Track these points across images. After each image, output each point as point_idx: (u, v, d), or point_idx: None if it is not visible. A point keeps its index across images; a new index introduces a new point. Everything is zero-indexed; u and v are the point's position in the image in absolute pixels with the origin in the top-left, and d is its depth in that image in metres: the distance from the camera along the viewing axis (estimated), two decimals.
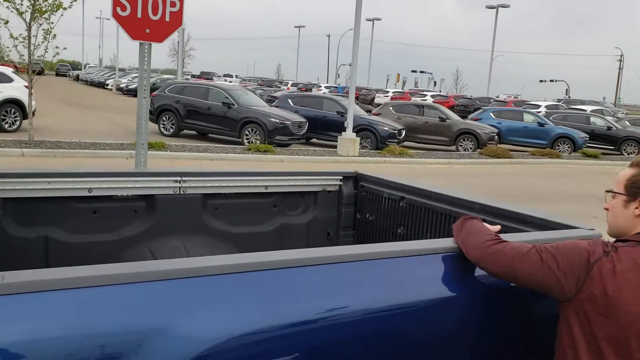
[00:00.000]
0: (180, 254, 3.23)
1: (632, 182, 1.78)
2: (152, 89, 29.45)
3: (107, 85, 48.32)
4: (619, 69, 68.29)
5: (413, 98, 37.79)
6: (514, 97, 49.00)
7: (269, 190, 3.50)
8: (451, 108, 33.82)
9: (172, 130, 17.29)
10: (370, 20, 57.01)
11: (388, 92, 42.89)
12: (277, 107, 18.50)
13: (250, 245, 3.42)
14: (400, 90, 50.82)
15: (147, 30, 4.66)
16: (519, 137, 21.31)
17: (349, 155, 15.61)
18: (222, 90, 17.28)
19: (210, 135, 17.61)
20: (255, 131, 16.03)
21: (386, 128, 17.53)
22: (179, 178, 3.26)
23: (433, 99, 36.24)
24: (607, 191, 1.88)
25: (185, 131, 17.71)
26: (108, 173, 3.13)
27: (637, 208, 1.76)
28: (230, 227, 3.43)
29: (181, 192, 3.27)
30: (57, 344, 1.32)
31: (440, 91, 57.73)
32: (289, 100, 19.00)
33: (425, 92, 42.37)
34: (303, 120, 16.88)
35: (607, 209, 1.87)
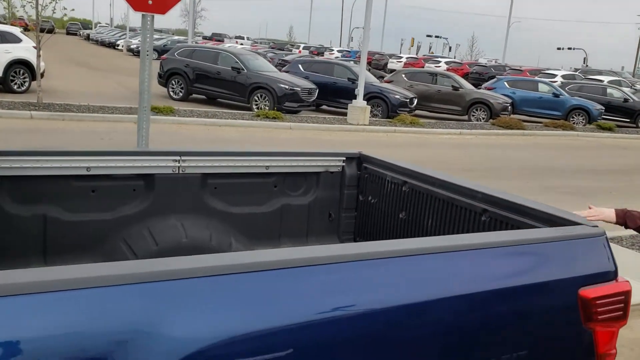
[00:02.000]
0: (179, 233, 3.19)
1: None
2: (163, 51, 29.18)
3: (118, 45, 47.97)
4: None
5: (427, 65, 37.19)
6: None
7: (270, 170, 3.43)
8: (465, 76, 33.32)
9: (181, 94, 17.17)
10: None
11: (401, 57, 42.15)
12: (287, 72, 18.27)
13: (250, 225, 3.37)
14: (414, 55, 49.94)
15: (150, 2, 4.52)
16: (533, 108, 20.96)
17: (359, 124, 15.44)
18: (232, 54, 17.05)
19: (219, 100, 17.48)
20: (265, 97, 15.86)
21: (398, 96, 17.29)
22: (178, 157, 3.20)
23: (447, 66, 35.64)
24: None
25: (194, 95, 17.58)
26: (107, 152, 3.08)
27: None
28: (229, 207, 3.38)
29: (180, 172, 3.21)
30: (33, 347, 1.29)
31: (454, 57, 56.76)
32: (299, 66, 18.73)
33: (439, 59, 41.62)
34: (313, 86, 16.66)
35: None
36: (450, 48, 77.58)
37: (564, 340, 2.15)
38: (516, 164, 12.61)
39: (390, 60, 40.18)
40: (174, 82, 17.23)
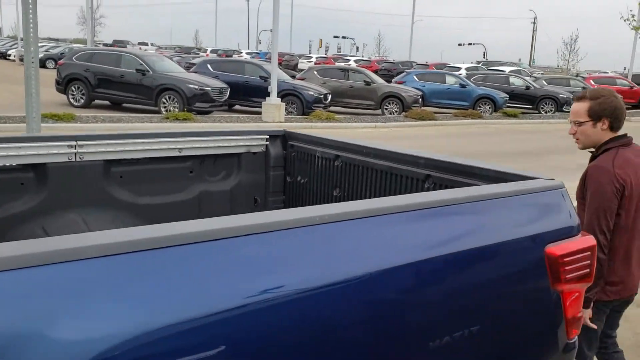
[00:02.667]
0: (80, 230, 2.72)
1: (592, 110, 2.54)
2: (60, 59, 27.42)
3: (9, 55, 44.78)
4: (533, 31, 70.83)
5: (337, 63, 37.46)
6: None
7: (184, 153, 3.02)
8: (375, 72, 33.77)
9: (82, 100, 16.08)
10: None
11: (311, 57, 42.27)
12: (195, 72, 17.60)
13: (163, 217, 2.95)
14: (324, 55, 50.28)
15: None
16: (442, 99, 21.49)
17: (274, 122, 15.09)
18: (135, 56, 16.18)
19: (125, 105, 16.54)
20: (173, 99, 15.16)
21: (312, 92, 17.11)
22: (74, 142, 2.72)
23: (357, 64, 35.96)
24: (574, 122, 2.59)
25: (97, 101, 16.53)
26: None
27: (603, 124, 2.54)
28: (139, 197, 2.94)
29: (77, 159, 2.74)
30: None
31: (362, 56, 57.74)
32: (208, 66, 18.11)
33: (348, 57, 42.13)
34: (224, 86, 16.14)
35: (574, 133, 2.62)
36: (357, 48, 79.01)
37: (531, 307, 1.92)
38: (435, 152, 12.75)
39: (300, 60, 40.10)
40: (73, 89, 16.12)
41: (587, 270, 1.97)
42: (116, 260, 1.14)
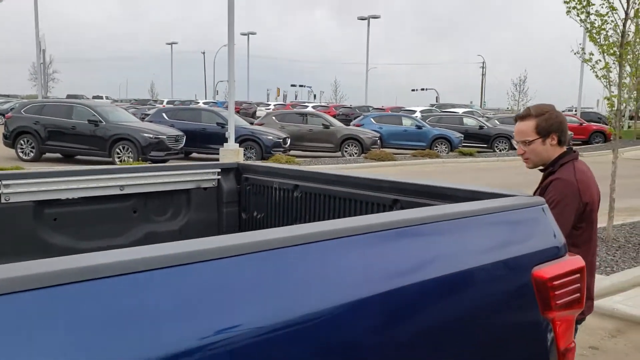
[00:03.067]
0: None
1: (540, 127, 2.45)
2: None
3: None
4: (482, 75, 73.40)
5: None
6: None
7: (126, 191, 2.73)
8: (333, 117, 34.04)
9: (32, 154, 15.51)
10: (245, 35, 56.46)
11: (269, 105, 42.48)
12: (150, 122, 17.29)
13: None
14: (282, 102, 50.67)
15: None
16: (400, 141, 21.70)
17: None
18: (87, 107, 15.81)
19: (78, 157, 16.02)
20: (127, 148, 14.77)
21: (270, 137, 16.97)
22: None
23: (314, 110, 36.29)
24: (522, 142, 2.50)
25: (48, 154, 15.97)
26: None
27: (552, 140, 2.47)
28: (76, 242, 2.62)
29: (3, 201, 2.43)
30: None
31: (328, 103, 58.52)
32: (163, 114, 17.85)
33: (307, 104, 42.42)
34: (180, 133, 15.86)
35: (522, 153, 2.53)
36: (315, 96, 79.97)
37: (519, 339, 1.70)
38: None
39: (258, 108, 40.23)
40: (22, 142, 15.55)
41: (578, 294, 1.76)
42: None
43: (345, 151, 19.16)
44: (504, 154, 22.07)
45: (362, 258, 1.34)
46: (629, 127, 35.80)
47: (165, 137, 15.10)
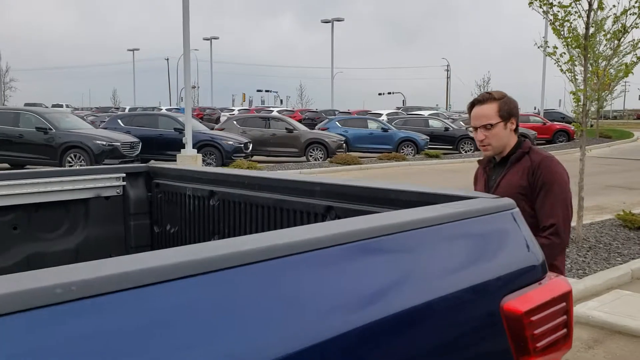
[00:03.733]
0: None
1: (502, 110, 2.30)
2: None
3: None
4: (447, 78, 73.97)
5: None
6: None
7: (3, 203, 2.19)
8: (299, 122, 33.54)
9: None
10: (208, 40, 55.54)
11: (233, 110, 41.74)
12: (105, 129, 16.54)
13: None
14: (246, 107, 49.95)
15: None
16: (366, 144, 21.35)
17: None
18: (36, 114, 14.98)
19: (27, 166, 15.16)
20: (79, 157, 14.02)
21: (231, 142, 16.38)
22: None
23: (280, 114, 35.76)
24: (483, 126, 2.30)
25: None
26: None
27: (512, 124, 2.33)
28: None
29: None
30: None
31: (293, 108, 57.97)
32: (119, 121, 17.11)
33: (271, 108, 41.89)
34: (135, 140, 15.17)
35: (483, 140, 2.32)
36: (281, 101, 79.34)
37: None
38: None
39: (222, 114, 39.43)
40: None
41: (565, 330, 1.30)
42: None
43: (310, 155, 18.68)
44: (469, 155, 21.90)
45: (239, 298, 0.85)
46: (591, 125, 36.28)
47: (119, 144, 14.41)
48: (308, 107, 56.34)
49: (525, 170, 2.27)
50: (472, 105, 2.35)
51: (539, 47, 7.43)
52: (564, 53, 6.96)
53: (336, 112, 35.98)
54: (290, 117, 34.78)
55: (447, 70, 74.70)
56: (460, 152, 22.97)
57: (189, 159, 14.32)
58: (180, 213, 2.35)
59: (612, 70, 7.37)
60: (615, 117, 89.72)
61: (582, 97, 6.91)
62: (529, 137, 26.44)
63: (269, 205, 1.97)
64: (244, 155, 16.49)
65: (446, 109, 65.04)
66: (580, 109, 7.01)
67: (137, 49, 67.33)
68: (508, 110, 2.30)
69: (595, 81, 7.02)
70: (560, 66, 7.09)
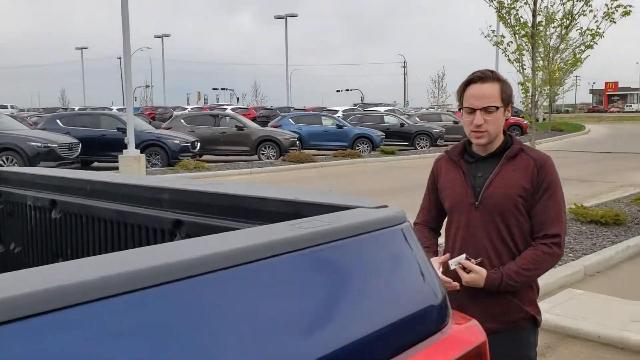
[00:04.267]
0: None
1: (505, 93, 2.00)
2: None
3: None
4: (404, 74, 74.38)
5: None
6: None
7: None
8: (253, 119, 32.96)
9: None
10: (159, 37, 54.17)
11: (186, 108, 40.77)
12: (43, 129, 15.65)
13: None
14: (199, 106, 48.93)
15: None
16: (320, 141, 20.95)
17: None
18: None
19: None
20: (12, 159, 13.15)
21: (177, 142, 15.71)
22: None
23: (234, 112, 35.03)
24: (485, 108, 1.95)
25: None
26: None
27: (508, 112, 2.04)
28: None
29: None
30: None
31: (248, 105, 57.16)
32: (58, 121, 16.22)
33: (225, 106, 41.07)
34: (74, 141, 14.37)
35: (481, 125, 1.96)
36: (238, 99, 78.34)
37: None
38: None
39: (175, 112, 38.41)
40: None
41: None
42: None
43: (262, 154, 18.16)
44: (425, 151, 21.77)
45: None
46: (544, 119, 36.85)
47: (56, 145, 13.60)
48: (263, 104, 55.67)
49: (528, 169, 1.98)
50: (469, 82, 2.01)
51: (486, 37, 7.14)
52: (511, 42, 6.69)
53: (291, 109, 35.53)
54: (245, 114, 34.14)
55: (404, 67, 75.14)
56: (416, 148, 22.83)
57: (131, 160, 13.62)
58: (23, 228, 1.85)
59: (561, 64, 7.13)
60: (567, 111, 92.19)
61: (530, 88, 6.65)
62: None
63: (110, 218, 1.50)
64: (191, 154, 15.85)
65: (404, 106, 65.36)
66: (529, 100, 6.75)
67: (86, 47, 65.18)
68: (509, 95, 2.03)
69: (543, 73, 6.77)
70: (508, 56, 6.82)
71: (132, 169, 13.55)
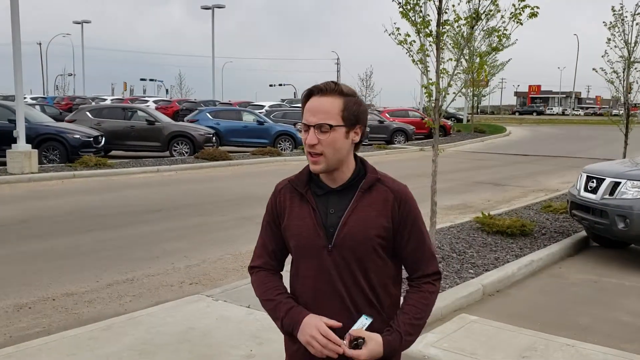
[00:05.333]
0: None
1: (349, 110, 1.67)
2: None
3: None
4: (337, 71, 74.35)
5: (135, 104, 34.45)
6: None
7: None
8: (176, 112, 31.64)
9: None
10: (79, 24, 51.31)
11: (105, 99, 38.80)
12: None
13: None
14: (120, 97, 46.76)
15: None
16: (240, 138, 20.12)
17: (23, 173, 12.26)
18: None
19: None
20: None
21: (78, 136, 14.47)
22: None
23: (156, 104, 33.48)
24: (318, 125, 1.64)
25: None
26: None
27: (356, 135, 1.71)
28: None
29: None
30: None
31: (171, 97, 55.17)
32: None
33: (147, 98, 39.28)
34: None
35: (314, 145, 1.65)
36: (167, 90, 75.84)
37: None
38: (216, 196, 11.03)
39: (94, 103, 36.43)
40: None
41: None
42: None
43: (175, 150, 17.16)
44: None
45: None
46: (468, 120, 37.54)
47: None
48: (188, 97, 53.96)
49: (387, 203, 1.71)
50: (310, 94, 1.70)
51: (389, 35, 6.62)
52: (414, 41, 6.20)
53: (216, 103, 34.42)
54: (168, 108, 32.80)
55: (337, 64, 75.18)
56: None
57: (21, 156, 12.39)
58: None
59: (463, 64, 6.69)
60: (492, 112, 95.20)
61: (434, 91, 6.19)
62: (407, 131, 26.14)
63: None
64: (94, 150, 14.67)
65: None
66: (433, 104, 6.28)
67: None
68: (355, 114, 1.69)
69: (447, 76, 6.31)
70: (412, 56, 6.34)
71: (22, 165, 12.33)
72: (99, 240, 7.24)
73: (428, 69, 6.28)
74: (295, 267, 1.79)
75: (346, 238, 1.68)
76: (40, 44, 72.13)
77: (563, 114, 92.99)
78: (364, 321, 1.65)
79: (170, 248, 6.95)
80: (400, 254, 1.76)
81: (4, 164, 12.87)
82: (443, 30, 6.13)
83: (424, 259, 1.77)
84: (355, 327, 1.63)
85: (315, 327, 1.62)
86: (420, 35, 6.18)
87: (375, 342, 1.62)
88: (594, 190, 6.82)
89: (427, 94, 6.24)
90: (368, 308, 1.71)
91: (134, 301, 5.10)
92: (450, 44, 6.43)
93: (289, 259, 1.88)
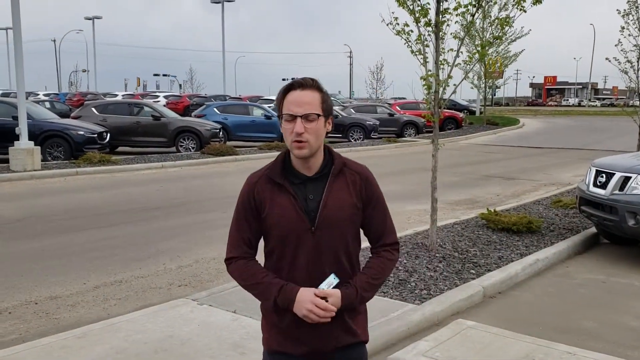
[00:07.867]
0: None
1: (326, 103, 1.92)
2: None
3: None
4: (350, 64, 73.91)
5: (144, 100, 34.43)
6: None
7: None
8: (187, 107, 31.55)
9: None
10: (90, 19, 51.35)
11: (117, 95, 38.82)
12: None
13: None
14: (131, 93, 46.82)
15: None
16: (249, 132, 19.93)
17: (26, 170, 12.19)
18: None
19: None
20: None
21: (82, 132, 14.37)
22: None
23: (167, 100, 33.45)
24: (305, 115, 1.85)
25: None
26: None
27: (328, 125, 1.95)
28: None
29: None
30: None
31: (182, 92, 55.15)
32: None
33: (157, 94, 39.21)
34: None
35: (302, 134, 1.84)
36: (180, 85, 75.93)
37: None
38: (219, 192, 10.85)
39: (105, 99, 36.48)
40: None
41: None
42: None
43: (181, 146, 17.00)
44: (358, 144, 21.14)
45: None
46: (481, 112, 36.99)
47: None
48: (199, 92, 53.83)
49: (355, 185, 1.98)
50: (288, 89, 1.90)
51: (387, 25, 6.35)
52: (412, 31, 5.93)
53: (227, 98, 34.24)
54: (179, 102, 32.71)
55: (350, 57, 74.70)
56: (350, 140, 22.17)
57: (24, 153, 12.31)
58: None
59: (463, 55, 6.37)
60: (507, 104, 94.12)
61: (433, 83, 5.92)
62: (417, 124, 25.66)
63: None
64: (98, 146, 14.57)
65: (350, 96, 64.85)
66: (432, 97, 6.02)
67: (10, 28, 61.31)
68: (330, 107, 1.96)
69: (447, 66, 6.02)
70: (411, 47, 6.07)
71: (25, 162, 12.24)
72: (92, 240, 7.09)
73: (427, 59, 6.02)
74: (279, 252, 1.93)
75: (327, 218, 1.90)
76: (54, 40, 72.60)
77: (579, 105, 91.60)
78: (331, 280, 1.87)
79: (165, 247, 6.77)
80: (366, 227, 2.02)
81: (8, 161, 12.82)
82: (443, 19, 5.86)
83: (386, 231, 2.04)
84: (322, 285, 1.85)
85: (310, 301, 1.81)
86: (419, 24, 5.91)
87: (335, 297, 1.85)
88: (604, 186, 6.51)
89: (425, 86, 5.97)
90: (344, 276, 1.92)
91: (119, 305, 4.92)
92: (458, 32, 6.11)
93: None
